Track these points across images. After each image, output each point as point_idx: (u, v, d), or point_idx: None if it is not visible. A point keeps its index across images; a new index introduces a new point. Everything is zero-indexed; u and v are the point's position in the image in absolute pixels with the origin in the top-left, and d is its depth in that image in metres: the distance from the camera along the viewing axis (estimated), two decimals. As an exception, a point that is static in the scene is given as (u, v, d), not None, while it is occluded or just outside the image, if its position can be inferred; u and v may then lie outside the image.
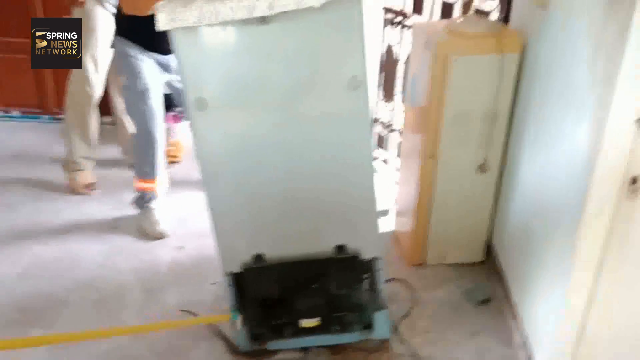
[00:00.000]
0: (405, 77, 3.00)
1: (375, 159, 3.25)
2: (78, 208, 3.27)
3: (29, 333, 2.32)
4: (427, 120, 2.55)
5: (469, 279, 2.72)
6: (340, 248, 2.11)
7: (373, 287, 2.20)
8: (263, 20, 1.76)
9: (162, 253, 2.89)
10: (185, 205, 3.31)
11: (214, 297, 2.53)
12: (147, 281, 2.67)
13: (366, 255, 2.14)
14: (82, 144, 3.42)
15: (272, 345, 2.25)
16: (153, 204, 3.07)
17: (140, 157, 2.98)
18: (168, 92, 3.05)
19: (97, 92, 3.36)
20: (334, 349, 2.28)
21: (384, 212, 3.15)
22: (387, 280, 2.39)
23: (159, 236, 3.03)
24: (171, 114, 3.96)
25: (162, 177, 3.13)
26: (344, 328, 2.24)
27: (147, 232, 3.04)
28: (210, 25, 1.75)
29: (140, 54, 2.80)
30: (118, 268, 2.77)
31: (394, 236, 3.04)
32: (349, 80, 1.87)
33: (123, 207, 3.24)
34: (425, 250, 2.78)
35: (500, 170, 2.65)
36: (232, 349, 2.27)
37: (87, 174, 3.46)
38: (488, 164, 2.61)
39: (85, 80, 3.28)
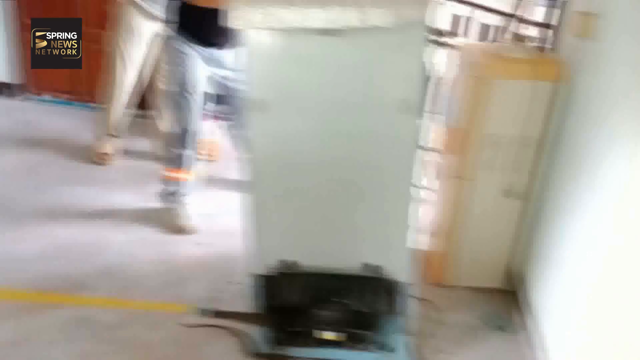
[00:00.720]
0: (436, 96, 3.00)
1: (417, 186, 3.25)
2: (105, 195, 3.31)
3: (52, 313, 2.35)
4: (461, 142, 2.55)
5: (489, 304, 2.69)
6: (370, 267, 2.12)
7: (400, 311, 2.19)
8: (327, 32, 1.79)
9: (183, 248, 2.91)
10: (212, 203, 3.33)
11: (230, 295, 2.53)
12: (165, 274, 2.69)
13: (397, 277, 2.13)
14: (106, 121, 3.64)
15: (290, 351, 2.25)
16: (180, 199, 3.10)
17: (172, 148, 3.02)
18: (213, 90, 3.10)
19: (125, 87, 3.57)
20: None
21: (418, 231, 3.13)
22: (414, 297, 2.37)
23: (184, 231, 3.05)
24: (211, 112, 4.01)
25: (191, 172, 3.15)
26: (364, 347, 2.24)
27: (172, 226, 3.07)
28: (278, 30, 1.79)
29: (188, 48, 2.83)
30: (138, 258, 2.79)
31: (424, 256, 3.02)
32: (400, 102, 1.88)
33: (149, 198, 3.27)
34: (445, 271, 2.77)
35: (527, 197, 2.63)
36: (247, 349, 2.27)
37: (104, 145, 3.67)
38: (515, 189, 2.60)
39: (114, 77, 3.50)
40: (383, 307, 2.19)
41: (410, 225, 2.07)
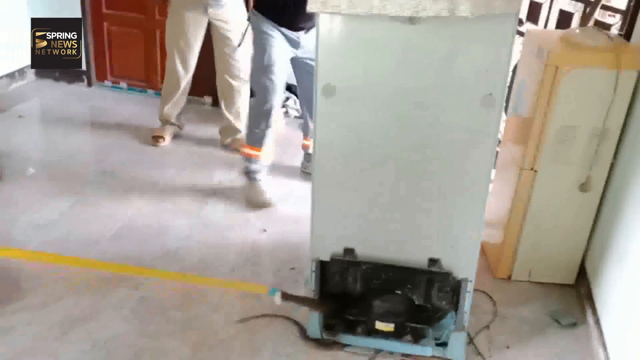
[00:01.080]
0: (510, 85, 2.90)
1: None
2: (172, 179, 3.39)
3: (116, 291, 2.43)
4: (529, 131, 2.45)
5: (557, 300, 2.60)
6: (434, 261, 2.07)
7: (457, 307, 2.14)
8: (411, 20, 1.74)
9: (245, 233, 2.94)
10: (276, 189, 3.36)
11: (291, 282, 2.54)
12: (228, 258, 2.73)
13: (458, 274, 2.08)
14: (164, 109, 3.81)
15: (344, 339, 2.24)
16: (259, 176, 3.22)
17: (253, 125, 3.13)
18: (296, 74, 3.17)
19: (183, 82, 3.72)
20: (407, 355, 2.24)
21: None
22: (478, 291, 2.33)
23: (265, 205, 3.17)
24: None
25: (269, 150, 3.25)
26: (418, 340, 2.20)
27: (253, 201, 3.18)
28: (355, 15, 1.76)
29: (273, 29, 2.92)
30: (203, 242, 2.84)
31: (481, 247, 2.94)
32: (484, 97, 1.82)
33: (214, 184, 3.34)
34: (512, 265, 2.68)
35: (604, 191, 2.51)
36: (303, 334, 2.28)
37: (160, 129, 3.85)
38: (591, 183, 2.48)
39: (171, 65, 3.67)
40: (444, 303, 2.14)
41: (481, 226, 2.01)
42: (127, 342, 2.18)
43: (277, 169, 3.60)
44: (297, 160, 3.63)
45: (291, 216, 3.06)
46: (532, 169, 2.50)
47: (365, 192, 2.03)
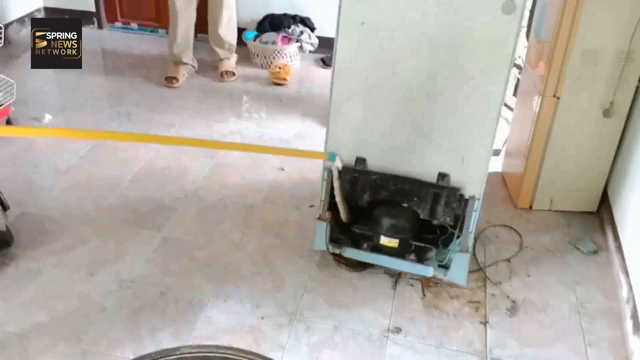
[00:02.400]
0: (532, 9, 2.79)
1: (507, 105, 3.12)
2: (189, 121, 3.38)
3: (139, 233, 2.47)
4: (552, 56, 2.37)
5: (579, 227, 2.59)
6: (443, 176, 2.06)
7: (462, 227, 2.13)
8: None
9: (263, 172, 2.94)
10: (286, 128, 3.34)
11: (310, 219, 2.54)
12: (247, 197, 2.74)
13: (466, 192, 2.06)
14: (173, 47, 3.78)
15: (347, 252, 2.26)
16: None
17: None
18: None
19: (183, 14, 3.68)
20: (429, 278, 2.26)
21: (495, 152, 3.03)
22: (490, 226, 2.31)
23: None
24: (281, 35, 3.98)
25: None
26: (420, 259, 2.21)
27: None
28: None
29: None
30: (222, 182, 2.85)
31: (501, 177, 2.93)
32: (505, 2, 1.76)
33: (230, 124, 3.33)
34: (534, 194, 2.66)
35: (628, 116, 2.45)
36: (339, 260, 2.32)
37: (173, 69, 3.82)
38: (615, 108, 2.41)
39: (173, 4, 3.67)
40: (449, 220, 2.13)
41: (492, 142, 1.98)
42: (152, 281, 2.22)
43: (293, 105, 3.57)
44: (314, 96, 3.59)
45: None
46: (554, 96, 2.43)
47: (381, 100, 2.03)
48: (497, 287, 2.27)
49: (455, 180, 2.06)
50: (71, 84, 3.78)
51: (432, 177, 2.07)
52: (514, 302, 2.21)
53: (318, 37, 4.15)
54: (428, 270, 2.19)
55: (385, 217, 2.15)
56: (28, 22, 4.49)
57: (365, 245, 2.24)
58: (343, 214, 2.21)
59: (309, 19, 4.17)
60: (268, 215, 2.62)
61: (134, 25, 4.60)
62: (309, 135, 3.27)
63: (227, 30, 3.81)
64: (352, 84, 2.02)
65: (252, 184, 2.85)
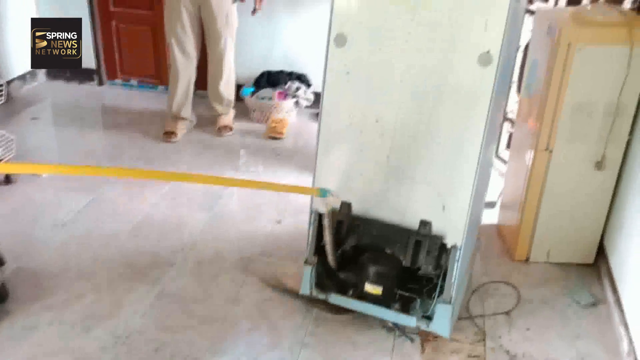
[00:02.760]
0: (522, 65, 2.87)
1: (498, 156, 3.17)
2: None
3: (136, 287, 2.45)
4: (543, 111, 2.43)
5: (576, 280, 2.59)
6: (425, 224, 2.08)
7: (445, 276, 2.13)
8: None
9: (260, 225, 2.95)
10: (283, 182, 3.37)
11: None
12: (244, 250, 2.74)
13: (448, 240, 2.08)
14: (172, 103, 3.84)
15: (332, 298, 2.27)
16: None
17: None
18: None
19: (184, 71, 3.77)
20: (428, 333, 2.24)
21: (490, 204, 3.05)
22: (488, 283, 2.31)
23: None
24: (278, 90, 4.06)
25: None
26: (404, 308, 2.20)
27: None
28: None
29: None
30: (219, 235, 2.86)
31: (497, 230, 2.94)
32: (481, 55, 1.83)
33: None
34: (530, 246, 2.66)
35: (620, 168, 2.48)
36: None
37: (171, 124, 3.86)
38: (607, 161, 2.45)
39: (173, 60, 3.75)
40: (430, 268, 2.13)
41: (472, 192, 2.00)
42: (148, 337, 2.20)
43: (289, 159, 3.60)
44: (310, 150, 3.62)
45: (305, 205, 3.05)
46: (547, 149, 2.47)
47: (363, 150, 2.10)
48: (497, 340, 2.25)
49: (437, 228, 2.08)
50: (70, 139, 3.83)
51: (414, 224, 2.11)
52: (514, 356, 2.18)
53: (314, 93, 4.24)
54: (411, 320, 2.18)
55: (369, 264, 2.18)
56: (29, 79, 4.58)
57: (350, 292, 2.24)
58: (330, 257, 2.22)
59: (305, 75, 4.26)
60: (265, 269, 2.62)
61: (133, 81, 4.69)
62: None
63: (226, 87, 3.88)
64: (337, 130, 2.11)
65: (249, 236, 2.86)
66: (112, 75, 4.72)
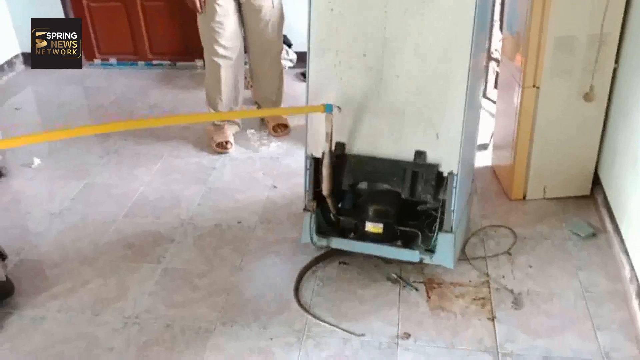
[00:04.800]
0: (503, 3, 2.83)
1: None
2: (177, 150, 3.39)
3: (139, 267, 2.46)
4: (527, 47, 2.40)
5: (574, 212, 2.61)
6: (420, 154, 2.09)
7: (443, 206, 2.14)
8: None
9: (256, 192, 2.95)
10: (274, 145, 3.38)
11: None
12: (242, 219, 2.75)
13: (444, 168, 2.10)
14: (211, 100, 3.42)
15: (334, 242, 2.30)
16: None
17: None
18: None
19: (226, 76, 3.28)
20: (432, 281, 2.27)
21: (483, 146, 3.05)
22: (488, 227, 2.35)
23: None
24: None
25: None
26: (406, 244, 2.22)
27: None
28: None
29: None
30: (216, 206, 2.86)
31: (492, 171, 2.95)
32: None
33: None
34: (526, 184, 2.67)
35: (609, 98, 2.47)
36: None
37: (222, 133, 3.40)
38: (595, 92, 2.44)
39: (212, 69, 3.28)
40: (429, 197, 2.15)
41: (464, 114, 2.01)
42: (157, 315, 2.22)
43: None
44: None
45: (299, 168, 3.05)
46: (534, 86, 2.45)
47: (353, 87, 2.11)
48: (500, 280, 2.28)
49: (431, 157, 2.10)
50: (56, 126, 3.78)
51: (409, 157, 2.13)
52: (518, 294, 2.21)
53: (296, 53, 4.18)
54: (414, 255, 2.21)
55: (368, 203, 2.20)
56: (7, 69, 4.50)
57: (351, 234, 2.28)
58: (325, 184, 2.21)
59: (285, 35, 4.19)
60: (266, 235, 2.63)
61: (112, 60, 4.62)
62: (297, 151, 3.28)
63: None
64: (326, 70, 2.11)
65: (246, 205, 2.86)
66: (89, 57, 4.64)
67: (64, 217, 2.84)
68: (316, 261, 2.40)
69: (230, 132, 3.44)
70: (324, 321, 2.14)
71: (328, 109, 2.09)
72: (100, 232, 2.71)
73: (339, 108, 2.11)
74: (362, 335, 2.08)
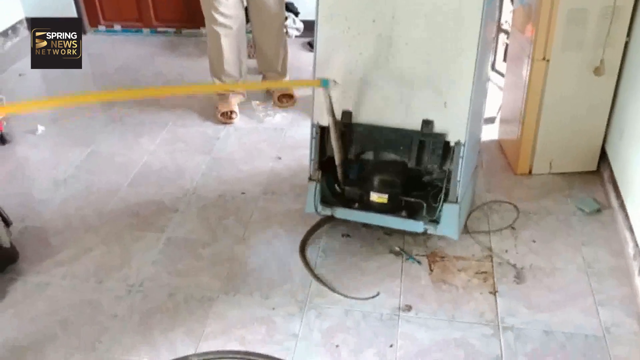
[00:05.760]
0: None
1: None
2: (181, 119, 3.37)
3: (143, 236, 2.47)
4: (538, 19, 2.35)
5: (580, 188, 2.60)
6: (427, 123, 2.08)
7: (449, 177, 2.13)
8: None
9: (260, 163, 2.94)
10: (280, 116, 3.36)
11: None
12: (246, 190, 2.74)
13: (451, 137, 2.08)
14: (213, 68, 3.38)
15: (338, 212, 2.30)
16: None
17: None
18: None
19: (229, 50, 3.24)
20: (435, 254, 2.27)
21: (490, 120, 3.02)
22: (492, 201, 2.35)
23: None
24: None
25: None
26: (411, 215, 2.22)
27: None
28: None
29: None
30: (220, 177, 2.85)
31: (498, 145, 2.92)
32: None
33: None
34: (532, 158, 2.65)
35: (619, 73, 2.43)
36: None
37: (226, 103, 3.38)
38: (606, 66, 2.40)
39: (215, 43, 3.24)
40: (436, 167, 2.15)
41: (473, 82, 1.99)
42: (160, 283, 2.23)
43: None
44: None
45: (304, 140, 3.03)
46: (543, 59, 2.41)
47: (361, 55, 2.08)
48: (503, 255, 2.27)
49: (439, 126, 2.08)
50: (60, 93, 3.76)
51: (417, 126, 2.10)
52: (521, 268, 2.21)
53: (303, 21, 4.12)
54: (418, 225, 2.20)
55: (373, 173, 2.19)
56: (11, 34, 4.46)
57: (355, 204, 2.27)
58: (337, 155, 2.20)
59: (292, 3, 4.14)
60: (269, 206, 2.63)
61: (117, 27, 4.57)
62: (303, 122, 3.25)
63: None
64: (335, 37, 2.09)
65: (250, 176, 2.85)
66: (94, 23, 4.59)
67: (68, 184, 2.85)
68: (324, 222, 2.39)
69: (234, 101, 3.41)
70: (326, 285, 2.16)
71: (324, 83, 2.07)
72: (105, 200, 2.72)
73: (335, 82, 2.09)
74: (375, 296, 2.11)
